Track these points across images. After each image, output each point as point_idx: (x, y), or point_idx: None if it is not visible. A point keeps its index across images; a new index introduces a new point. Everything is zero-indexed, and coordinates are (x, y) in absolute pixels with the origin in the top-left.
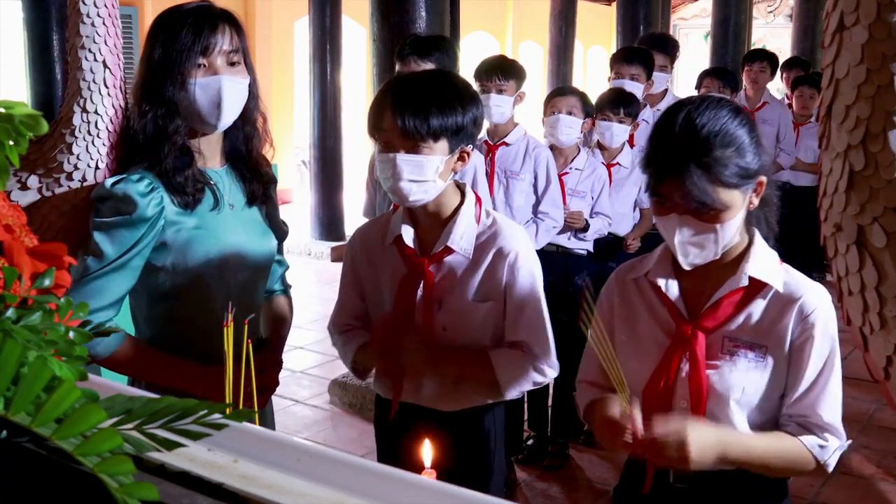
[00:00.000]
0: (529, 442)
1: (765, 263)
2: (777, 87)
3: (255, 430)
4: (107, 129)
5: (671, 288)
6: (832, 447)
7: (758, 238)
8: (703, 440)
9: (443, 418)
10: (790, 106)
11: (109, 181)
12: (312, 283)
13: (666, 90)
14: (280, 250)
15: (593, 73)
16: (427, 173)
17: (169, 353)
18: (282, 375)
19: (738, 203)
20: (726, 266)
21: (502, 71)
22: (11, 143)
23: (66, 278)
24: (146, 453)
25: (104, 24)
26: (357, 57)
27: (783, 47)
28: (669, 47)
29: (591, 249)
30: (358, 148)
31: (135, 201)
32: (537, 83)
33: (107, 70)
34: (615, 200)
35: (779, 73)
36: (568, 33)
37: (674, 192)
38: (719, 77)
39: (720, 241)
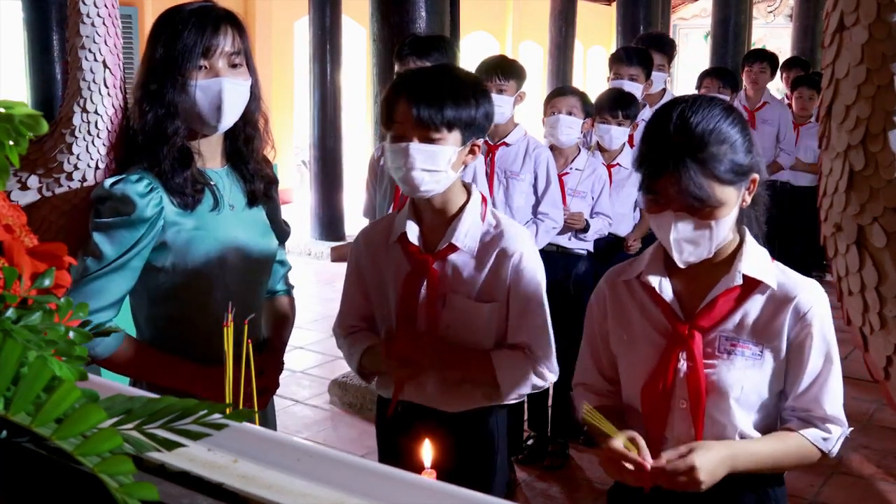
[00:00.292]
0: (529, 442)
1: (757, 261)
2: (777, 87)
3: (255, 430)
4: (107, 129)
5: (664, 288)
6: (835, 437)
7: (748, 237)
8: (711, 462)
9: (446, 419)
10: (790, 106)
11: (108, 182)
12: (312, 283)
13: (664, 90)
14: (281, 251)
15: (593, 73)
16: (440, 163)
17: (169, 353)
18: (282, 375)
19: (733, 200)
20: (718, 265)
21: (502, 71)
22: (11, 143)
23: (66, 278)
24: (146, 453)
25: (104, 24)
26: (357, 57)
27: (783, 47)
28: (667, 47)
29: (592, 249)
30: (358, 148)
31: (134, 202)
32: (537, 83)
33: (107, 70)
34: (615, 201)
35: (779, 73)
36: (568, 33)
37: (669, 189)
38: (719, 77)
39: (714, 239)
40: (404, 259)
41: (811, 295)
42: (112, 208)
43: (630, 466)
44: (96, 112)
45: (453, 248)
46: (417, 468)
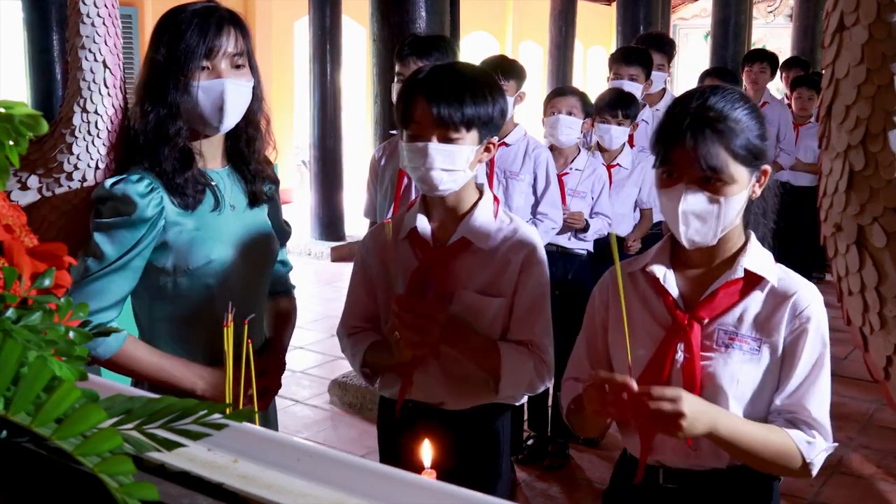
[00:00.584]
0: (529, 442)
1: (760, 259)
2: (777, 87)
3: (255, 430)
4: (107, 129)
5: (668, 280)
6: (819, 446)
7: (753, 238)
8: (696, 408)
9: (451, 419)
10: (790, 106)
11: (109, 182)
12: (312, 283)
13: (664, 90)
14: (283, 251)
15: (593, 73)
16: (458, 163)
17: (171, 354)
18: (282, 376)
19: (744, 181)
20: (723, 262)
21: (502, 71)
22: (11, 143)
23: (66, 278)
24: (146, 453)
25: (104, 24)
26: (357, 57)
27: (783, 47)
28: (667, 46)
29: (592, 250)
30: (358, 148)
31: (134, 202)
32: (537, 83)
33: (107, 70)
34: (615, 201)
35: (779, 73)
36: (568, 33)
37: (684, 159)
38: (720, 76)
39: (721, 219)
40: (412, 255)
41: (810, 295)
42: (113, 208)
43: (616, 390)
44: (96, 112)
45: (465, 243)
46: (420, 469)
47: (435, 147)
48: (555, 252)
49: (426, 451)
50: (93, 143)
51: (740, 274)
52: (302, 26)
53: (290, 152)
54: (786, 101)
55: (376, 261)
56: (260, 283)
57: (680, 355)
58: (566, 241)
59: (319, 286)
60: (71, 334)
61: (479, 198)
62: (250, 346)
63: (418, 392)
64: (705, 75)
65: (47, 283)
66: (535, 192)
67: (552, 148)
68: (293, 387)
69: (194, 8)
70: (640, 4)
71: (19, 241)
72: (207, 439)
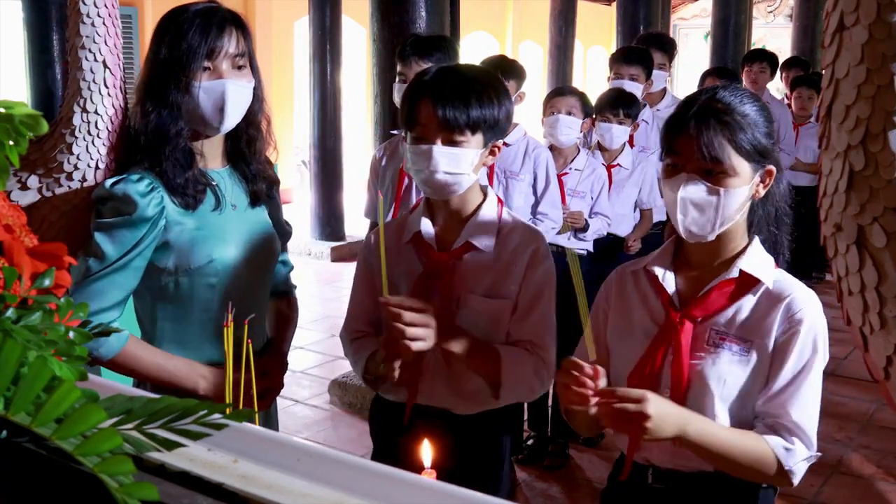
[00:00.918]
0: (529, 442)
1: (759, 262)
2: (777, 87)
3: (255, 430)
4: (107, 129)
5: (667, 279)
6: (799, 454)
7: (757, 242)
8: (663, 411)
9: (454, 422)
10: (789, 106)
11: (109, 181)
12: (312, 283)
13: (665, 90)
14: (284, 251)
15: (593, 73)
16: (463, 166)
17: (172, 353)
18: (285, 373)
19: (746, 176)
20: (722, 263)
21: (502, 71)
22: (11, 143)
23: (66, 278)
24: (146, 453)
25: (104, 24)
26: (357, 57)
27: (783, 47)
28: (668, 46)
29: (591, 249)
30: (358, 148)
31: (135, 201)
32: (537, 83)
33: (107, 70)
34: (616, 201)
35: (779, 73)
36: (568, 33)
37: (687, 147)
38: (721, 76)
39: (720, 211)
40: (417, 260)
41: (806, 299)
42: (113, 208)
43: (582, 380)
44: (96, 112)
45: (470, 247)
46: (419, 470)
47: (439, 150)
48: (554, 252)
49: (426, 452)
50: (93, 143)
51: (735, 274)
52: (302, 26)
53: (290, 152)
54: (786, 101)
55: (379, 263)
56: (261, 283)
57: (671, 354)
58: (566, 241)
59: (319, 286)
60: (71, 334)
61: (483, 200)
62: (250, 346)
63: (423, 397)
64: (706, 75)
65: (47, 283)
66: (535, 192)
67: (552, 148)
68: (293, 387)
69: (196, 8)
70: (640, 4)
71: (19, 241)
72: (207, 439)
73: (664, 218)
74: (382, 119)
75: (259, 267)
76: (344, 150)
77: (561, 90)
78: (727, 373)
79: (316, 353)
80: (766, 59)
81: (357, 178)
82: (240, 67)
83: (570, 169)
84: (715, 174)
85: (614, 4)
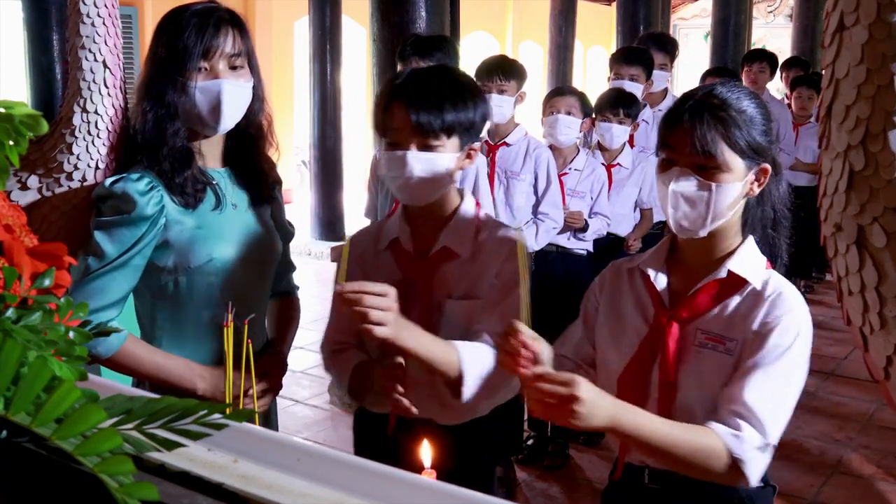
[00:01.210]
0: (529, 442)
1: (749, 262)
2: (777, 87)
3: (255, 430)
4: (107, 129)
5: (659, 279)
6: (750, 441)
7: (750, 242)
8: (596, 397)
9: (439, 433)
10: (789, 106)
11: (109, 180)
12: (312, 283)
13: (666, 90)
14: (286, 251)
15: (593, 73)
16: (439, 171)
17: (172, 353)
18: (283, 377)
19: (739, 172)
20: (713, 263)
21: (503, 71)
22: (11, 143)
23: (66, 278)
24: (146, 453)
25: (104, 24)
26: (357, 57)
27: (783, 47)
28: (669, 46)
29: (591, 249)
30: (358, 148)
31: (134, 200)
32: (537, 83)
33: (107, 70)
34: (616, 201)
35: (779, 73)
36: (568, 33)
37: (682, 141)
38: (721, 76)
39: (711, 206)
40: (395, 267)
41: (793, 300)
42: (113, 207)
43: (514, 344)
44: (96, 112)
45: (447, 252)
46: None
47: (414, 156)
48: (554, 252)
49: (426, 452)
50: (93, 143)
51: (723, 275)
52: (302, 26)
53: (290, 152)
54: (786, 101)
55: (358, 270)
56: (261, 282)
57: (658, 353)
58: (566, 240)
59: (319, 286)
60: (71, 334)
61: (460, 203)
62: (250, 346)
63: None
64: (706, 75)
65: (47, 283)
66: (536, 192)
67: (551, 148)
68: (293, 387)
69: (195, 9)
70: (640, 4)
71: (19, 241)
72: (207, 439)
73: (665, 217)
74: None
75: (259, 267)
76: (344, 150)
77: (560, 90)
78: (710, 373)
79: (316, 353)
80: (765, 59)
81: (357, 178)
82: (236, 67)
83: (570, 169)
84: (708, 169)
85: (614, 4)
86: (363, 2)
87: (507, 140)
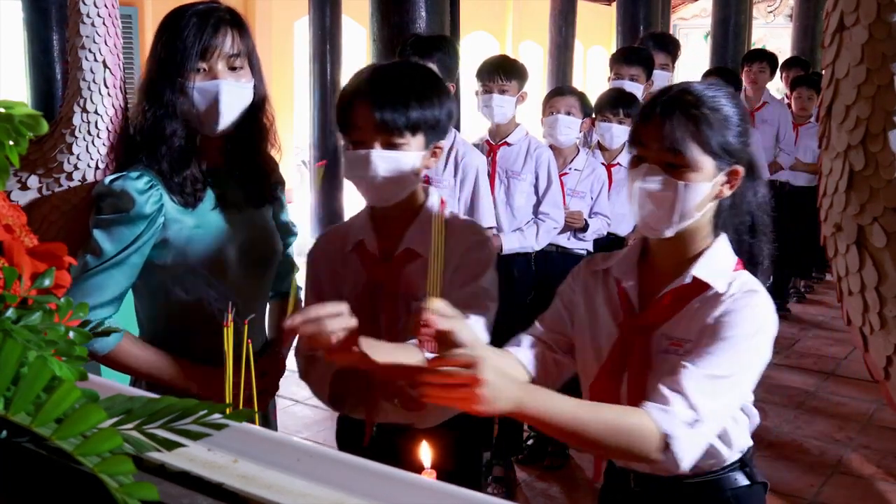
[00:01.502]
0: (529, 442)
1: (716, 265)
2: (777, 87)
3: (255, 430)
4: (107, 129)
5: (629, 283)
6: (679, 415)
7: (720, 242)
8: (500, 377)
9: (419, 437)
10: (789, 106)
11: (108, 178)
12: None
13: None
14: (288, 252)
15: (593, 73)
16: (404, 170)
17: (170, 352)
18: (282, 376)
19: (708, 172)
20: (683, 264)
21: (504, 71)
22: (11, 143)
23: (66, 278)
24: (146, 453)
25: (104, 24)
26: (357, 57)
27: (783, 47)
28: (671, 46)
29: (591, 249)
30: None
31: (133, 198)
32: (537, 83)
33: (107, 70)
34: (616, 201)
35: (779, 73)
36: (568, 33)
37: (651, 138)
38: (722, 76)
39: (677, 205)
40: (361, 268)
41: (757, 300)
42: (112, 205)
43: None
44: (96, 112)
45: (411, 253)
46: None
47: (378, 154)
48: (554, 252)
49: (424, 452)
50: (93, 143)
51: (687, 281)
52: (302, 26)
53: (290, 152)
54: (786, 101)
55: (326, 274)
56: (261, 282)
57: (627, 363)
58: (566, 240)
59: None
60: (71, 334)
61: (424, 202)
62: (250, 346)
63: (382, 415)
64: (707, 75)
65: (47, 283)
66: (536, 192)
67: (551, 148)
68: (293, 387)
69: (195, 9)
70: (640, 4)
71: (19, 241)
72: (207, 439)
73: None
74: None
75: (259, 267)
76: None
77: (560, 90)
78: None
79: None
80: (766, 59)
81: None
82: (236, 68)
83: (570, 169)
84: (676, 168)
85: (614, 4)
86: (363, 2)
87: (508, 140)
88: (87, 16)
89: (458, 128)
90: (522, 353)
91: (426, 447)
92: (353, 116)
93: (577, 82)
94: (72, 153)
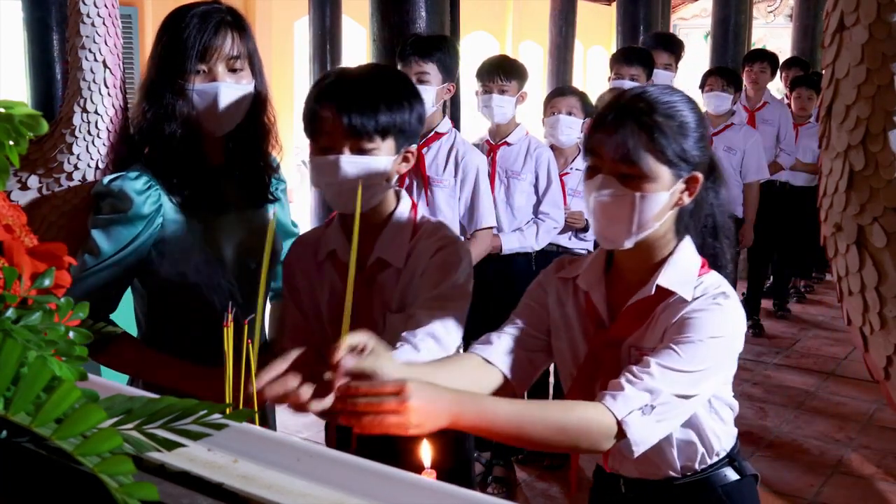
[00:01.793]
0: None
1: (680, 272)
2: (777, 87)
3: (255, 430)
4: (107, 129)
5: (597, 294)
6: (630, 397)
7: (684, 245)
8: (429, 397)
9: (405, 439)
10: (789, 106)
11: (107, 178)
12: None
13: None
14: None
15: (593, 73)
16: (374, 176)
17: (169, 352)
18: None
19: (665, 182)
20: (648, 271)
21: (504, 71)
22: (11, 143)
23: (66, 278)
24: (146, 453)
25: (104, 24)
26: (357, 57)
27: (783, 47)
28: (674, 46)
29: (592, 249)
30: None
31: (131, 198)
32: (537, 83)
33: (107, 70)
34: None
35: (779, 73)
36: (568, 33)
37: (605, 148)
38: (723, 76)
39: (635, 216)
40: (336, 277)
41: (724, 302)
42: (110, 205)
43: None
44: (96, 112)
45: (382, 264)
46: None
47: (347, 160)
48: (555, 252)
49: (425, 452)
50: (93, 143)
51: (651, 292)
52: (302, 26)
53: (290, 152)
54: (786, 101)
55: (303, 282)
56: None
57: (598, 377)
58: (567, 240)
59: None
60: (71, 334)
61: (395, 208)
62: (251, 346)
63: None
64: (708, 74)
65: (47, 283)
66: (536, 192)
67: (552, 148)
68: None
69: (195, 10)
70: (640, 4)
71: (19, 241)
72: (207, 439)
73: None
74: None
75: (259, 267)
76: None
77: (561, 90)
78: None
79: None
80: (766, 59)
81: None
82: (236, 70)
83: (571, 169)
84: (631, 178)
85: (614, 4)
86: (363, 2)
87: (508, 140)
88: (87, 16)
89: (458, 128)
90: (492, 353)
91: (426, 447)
92: (321, 122)
93: (578, 82)
94: (72, 153)
